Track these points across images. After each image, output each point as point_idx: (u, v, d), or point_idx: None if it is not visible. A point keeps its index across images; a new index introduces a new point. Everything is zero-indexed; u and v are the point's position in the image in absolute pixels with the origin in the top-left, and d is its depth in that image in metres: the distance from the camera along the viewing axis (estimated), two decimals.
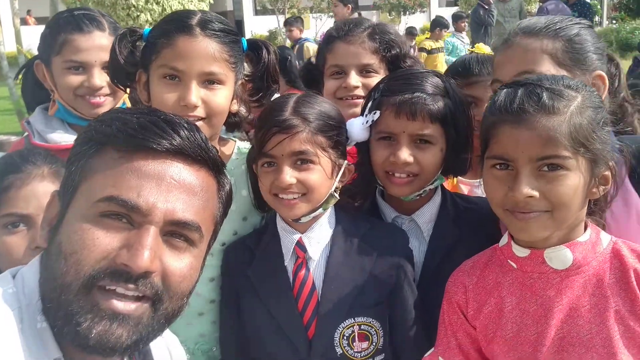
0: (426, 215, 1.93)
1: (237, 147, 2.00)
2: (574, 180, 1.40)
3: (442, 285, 1.79)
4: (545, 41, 1.73)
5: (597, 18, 24.37)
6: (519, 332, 1.51)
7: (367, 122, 1.83)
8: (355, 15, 8.18)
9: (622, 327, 1.43)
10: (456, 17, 12.47)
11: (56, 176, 1.74)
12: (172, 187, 1.15)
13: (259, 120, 1.80)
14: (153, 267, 1.10)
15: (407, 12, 24.98)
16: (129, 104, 2.30)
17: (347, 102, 2.12)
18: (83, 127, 2.13)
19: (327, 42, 2.26)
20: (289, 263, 1.78)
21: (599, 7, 25.13)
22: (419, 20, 24.89)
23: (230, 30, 1.80)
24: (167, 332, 1.38)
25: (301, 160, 1.70)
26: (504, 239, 1.60)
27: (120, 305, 1.09)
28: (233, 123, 1.94)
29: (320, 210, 1.78)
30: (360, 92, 2.13)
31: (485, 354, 1.60)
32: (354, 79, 2.13)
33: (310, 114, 1.73)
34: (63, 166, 1.75)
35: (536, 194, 1.39)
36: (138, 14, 13.12)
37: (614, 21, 21.45)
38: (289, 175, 1.68)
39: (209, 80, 1.74)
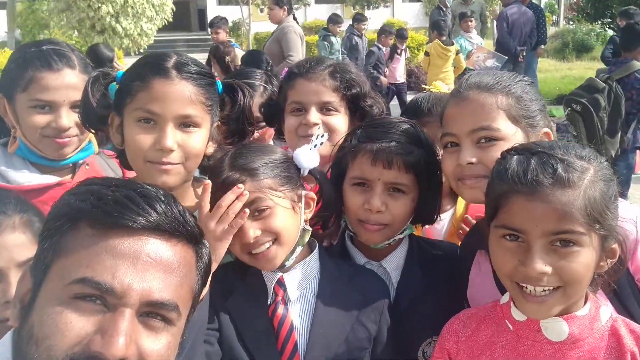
0: (394, 262, 1.94)
1: None
2: (586, 257, 1.36)
3: (409, 329, 1.85)
4: (500, 97, 1.73)
5: (554, 17, 24.86)
6: None
7: (315, 145, 1.84)
8: (291, 17, 8.00)
9: None
10: (461, 16, 11.92)
11: (27, 226, 1.69)
12: (148, 266, 1.12)
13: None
14: (128, 354, 1.06)
15: (371, 7, 25.02)
16: (95, 144, 2.23)
17: (309, 140, 2.05)
18: (46, 166, 2.11)
19: (289, 78, 2.27)
20: (269, 300, 1.76)
21: (556, 6, 25.66)
22: (382, 15, 24.95)
23: (206, 73, 1.78)
24: None
25: (257, 211, 1.67)
26: (506, 297, 1.57)
27: None
28: (207, 166, 1.89)
29: (299, 248, 1.76)
30: (319, 130, 2.12)
31: None
32: (314, 115, 2.14)
33: (248, 162, 1.71)
34: (35, 214, 1.72)
35: (549, 270, 1.35)
36: (99, 5, 12.84)
37: (571, 22, 21.92)
38: (251, 229, 1.66)
39: (185, 124, 1.71)
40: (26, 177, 2.10)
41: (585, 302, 1.48)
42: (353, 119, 2.25)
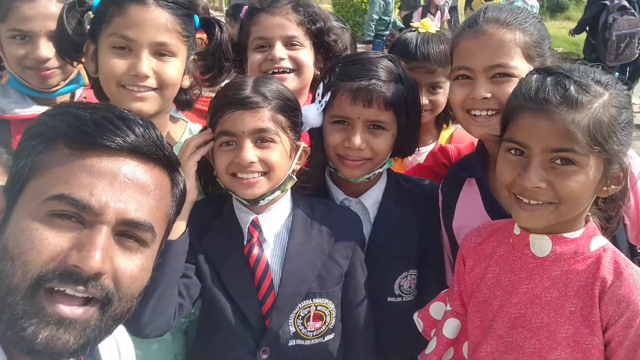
0: (372, 198, 1.97)
1: (188, 128, 1.97)
2: (583, 177, 1.38)
3: (385, 262, 1.90)
4: (517, 34, 1.73)
5: None
6: (488, 298, 1.58)
7: (321, 106, 1.84)
8: None
9: (572, 329, 1.46)
10: None
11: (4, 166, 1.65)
12: (125, 186, 1.12)
13: (215, 99, 1.77)
14: (104, 269, 1.07)
15: None
16: (85, 76, 2.18)
17: (274, 77, 2.04)
18: (41, 98, 2.10)
19: (250, 14, 2.19)
20: (245, 241, 1.77)
21: None
22: None
23: (182, 4, 1.76)
24: (117, 328, 1.34)
25: (262, 139, 1.69)
26: None
27: (66, 310, 1.05)
28: (184, 101, 1.90)
29: (278, 192, 1.77)
30: (286, 64, 2.09)
31: (466, 306, 1.68)
32: (280, 50, 2.09)
33: (270, 92, 1.72)
34: (2, 146, 1.68)
35: (544, 185, 1.39)
36: None
37: None
38: (251, 153, 1.66)
39: (160, 52, 1.70)
40: (22, 109, 2.10)
41: (585, 225, 1.51)
42: (317, 53, 2.21)
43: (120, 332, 1.40)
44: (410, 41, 2.34)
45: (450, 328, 1.70)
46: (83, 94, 2.23)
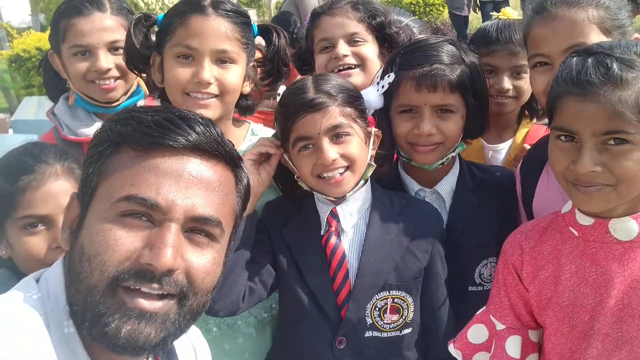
0: (447, 186, 1.96)
1: (250, 129, 2.03)
2: (639, 155, 1.34)
3: (464, 251, 1.88)
4: (590, 10, 1.67)
5: None
6: (575, 300, 1.49)
7: (382, 86, 1.84)
8: None
9: None
10: None
11: (69, 173, 1.73)
12: (190, 183, 1.13)
13: (281, 107, 1.80)
14: (176, 265, 1.09)
15: None
16: (144, 88, 2.27)
17: (340, 74, 2.10)
18: (106, 114, 2.17)
19: (313, 19, 2.27)
20: (323, 231, 1.79)
21: None
22: None
23: (241, 12, 1.84)
24: (193, 331, 1.38)
25: (337, 135, 1.71)
26: (568, 206, 1.56)
27: (146, 303, 1.08)
28: (245, 106, 1.96)
29: (362, 182, 1.79)
30: (351, 60, 2.15)
31: (538, 319, 1.58)
32: (343, 48, 2.14)
33: (332, 88, 1.74)
34: (74, 162, 1.77)
35: (599, 169, 1.35)
36: None
37: None
38: (331, 151, 1.69)
39: (222, 59, 1.77)
40: (92, 129, 2.19)
41: None
42: (382, 48, 2.24)
43: (196, 334, 1.43)
44: (490, 27, 2.33)
45: (516, 346, 1.61)
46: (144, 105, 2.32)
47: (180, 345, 1.33)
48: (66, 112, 2.25)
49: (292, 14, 6.43)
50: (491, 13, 2.73)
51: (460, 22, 11.37)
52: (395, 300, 1.77)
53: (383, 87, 1.84)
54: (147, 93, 2.31)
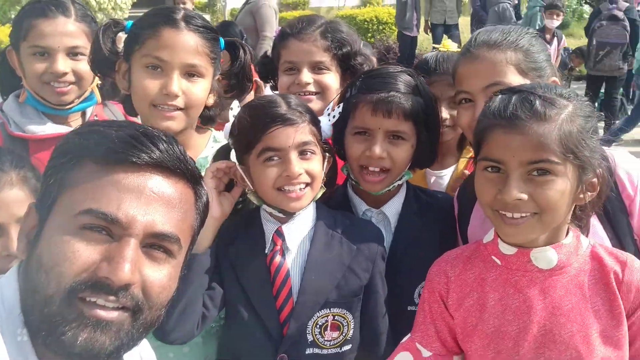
0: (393, 208, 2.02)
1: (213, 136, 2.06)
2: (561, 185, 1.44)
3: (405, 272, 1.94)
4: (509, 53, 1.80)
5: None
6: (500, 327, 1.55)
7: (334, 116, 1.92)
8: None
9: (600, 327, 1.50)
10: None
11: (24, 182, 1.72)
12: (151, 200, 1.16)
13: (250, 118, 1.80)
14: (133, 280, 1.11)
15: None
16: (98, 95, 2.29)
17: (300, 98, 2.11)
18: (56, 115, 2.21)
19: (281, 38, 2.32)
20: (267, 249, 1.82)
21: None
22: None
23: (211, 28, 1.87)
24: None
25: (304, 151, 1.77)
26: (490, 235, 1.64)
27: (102, 312, 1.10)
28: (208, 117, 1.99)
29: (313, 202, 1.84)
30: (312, 88, 2.22)
31: (462, 345, 1.63)
32: (306, 75, 2.20)
33: (301, 107, 1.81)
34: (29, 170, 1.75)
35: (525, 197, 1.43)
36: None
37: None
38: (298, 165, 1.74)
39: (190, 73, 1.80)
40: (40, 127, 2.22)
41: (567, 233, 1.57)
42: (344, 76, 2.31)
43: (144, 343, 1.43)
44: (431, 58, 2.43)
45: None
46: (94, 112, 2.35)
47: (129, 355, 1.33)
48: (15, 108, 2.25)
49: (236, 25, 6.38)
50: (433, 45, 2.86)
51: (407, 42, 11.66)
52: (336, 317, 1.81)
53: (334, 117, 1.91)
54: (100, 100, 2.31)
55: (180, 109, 1.79)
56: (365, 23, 15.13)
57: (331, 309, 1.81)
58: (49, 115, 2.25)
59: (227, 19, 18.97)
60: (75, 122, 2.30)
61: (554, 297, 1.53)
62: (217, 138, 2.06)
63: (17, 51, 2.22)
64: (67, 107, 2.25)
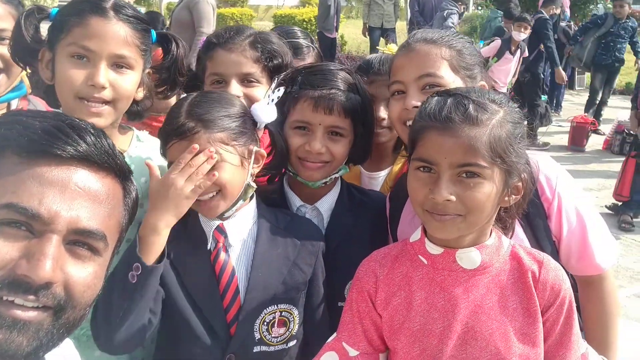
0: (326, 204, 2.04)
1: (135, 136, 1.97)
2: (488, 188, 1.47)
3: (336, 267, 1.95)
4: (443, 49, 1.86)
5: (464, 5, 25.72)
6: (425, 325, 1.57)
7: (272, 100, 1.86)
8: None
9: (518, 324, 1.54)
10: None
11: None
12: (76, 195, 1.10)
13: (161, 127, 1.77)
14: (55, 278, 1.05)
15: None
16: (27, 83, 2.16)
17: None
18: None
19: (207, 49, 2.18)
20: (210, 247, 1.78)
21: None
22: None
23: (142, 19, 1.78)
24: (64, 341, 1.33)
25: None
26: (417, 235, 1.67)
27: (19, 312, 1.04)
28: (135, 112, 1.90)
29: (241, 201, 1.79)
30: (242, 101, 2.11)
31: (388, 343, 1.65)
32: (235, 88, 2.08)
33: (205, 113, 1.71)
34: None
35: (453, 198, 1.46)
36: None
37: (480, 7, 22.72)
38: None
39: (118, 64, 1.71)
40: None
41: (490, 234, 1.61)
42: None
43: (67, 343, 1.36)
44: (374, 59, 2.46)
45: None
46: (19, 104, 2.21)
47: (51, 355, 1.27)
48: None
49: (161, 15, 6.22)
50: (377, 47, 2.90)
51: (328, 43, 11.90)
52: (283, 313, 1.82)
53: (272, 100, 1.87)
54: (30, 91, 2.20)
55: (107, 102, 1.70)
56: (304, 23, 15.18)
57: (278, 305, 1.81)
58: None
59: (162, 12, 18.63)
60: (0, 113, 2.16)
61: (476, 295, 1.56)
62: (140, 137, 1.97)
63: None
64: None
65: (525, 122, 1.62)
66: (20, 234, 1.06)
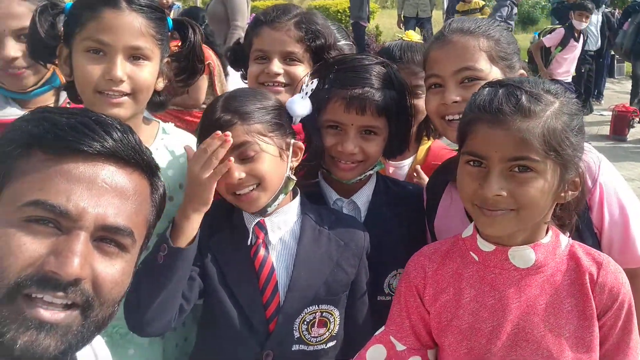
0: (363, 197, 1.99)
1: (161, 128, 1.95)
2: (542, 183, 1.40)
3: (375, 262, 1.89)
4: (481, 39, 1.79)
5: None
6: (474, 324, 1.52)
7: (306, 93, 1.83)
8: None
9: (572, 328, 1.47)
10: None
11: None
12: (103, 191, 1.09)
13: (199, 125, 1.76)
14: (83, 274, 1.04)
15: None
16: (61, 76, 2.14)
17: (268, 89, 2.09)
18: (25, 100, 2.13)
19: (254, 25, 2.22)
20: (250, 242, 1.76)
21: None
22: None
23: (156, 7, 1.74)
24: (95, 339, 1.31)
25: (243, 153, 1.67)
26: (469, 230, 1.60)
27: (47, 314, 1.02)
28: (157, 102, 1.87)
29: (282, 195, 1.76)
30: (282, 79, 2.12)
31: (437, 340, 1.60)
32: (277, 65, 2.11)
33: (241, 105, 1.71)
34: None
35: (504, 193, 1.40)
36: None
37: None
38: (237, 170, 1.66)
39: (135, 56, 1.68)
40: (5, 111, 2.10)
41: (547, 232, 1.53)
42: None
43: (98, 342, 1.37)
44: (394, 46, 2.39)
45: None
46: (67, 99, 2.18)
47: (82, 354, 1.25)
48: None
49: (203, 10, 6.25)
50: (396, 34, 2.81)
51: (362, 32, 11.83)
52: (324, 314, 1.78)
53: (307, 93, 1.83)
54: (63, 81, 2.21)
55: (127, 95, 1.67)
56: (339, 14, 15.09)
57: (319, 305, 1.77)
58: (15, 100, 2.13)
59: (199, 5, 18.78)
60: (48, 105, 2.19)
61: (528, 296, 1.49)
62: (166, 130, 1.95)
63: None
64: (30, 89, 2.14)
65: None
66: (48, 230, 1.04)
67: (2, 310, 1.00)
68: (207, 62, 4.02)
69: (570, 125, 1.43)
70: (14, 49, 2.02)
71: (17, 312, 1.00)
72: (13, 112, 2.10)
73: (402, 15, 12.63)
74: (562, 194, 1.46)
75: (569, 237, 1.58)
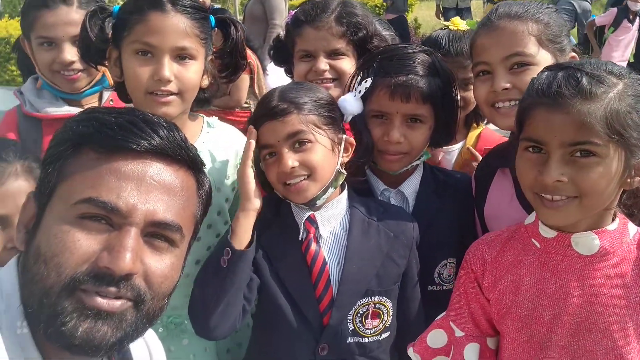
0: (411, 187, 1.97)
1: (206, 122, 1.98)
2: (605, 169, 1.33)
3: (425, 251, 1.88)
4: (530, 24, 1.74)
5: None
6: (533, 311, 1.47)
7: (359, 92, 1.84)
8: None
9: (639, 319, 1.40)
10: None
11: (29, 172, 1.68)
12: (152, 188, 1.11)
13: (252, 114, 1.79)
14: (135, 269, 1.06)
15: None
16: (110, 78, 2.23)
17: (318, 86, 2.06)
18: (71, 99, 2.27)
19: (295, 25, 2.22)
20: (301, 237, 1.77)
21: None
22: None
23: (200, 7, 1.78)
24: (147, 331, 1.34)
25: (298, 142, 1.68)
26: (531, 217, 1.55)
27: (103, 302, 1.05)
28: (202, 99, 1.91)
29: (331, 189, 1.75)
30: (329, 75, 2.15)
31: (497, 327, 1.57)
32: (323, 63, 2.12)
33: (297, 96, 1.72)
34: (34, 161, 1.70)
35: (565, 178, 1.33)
36: None
37: None
38: (290, 159, 1.67)
39: (181, 56, 1.73)
40: (54, 108, 2.23)
41: (614, 218, 1.45)
42: (360, 59, 2.21)
43: (151, 335, 1.39)
44: (442, 37, 2.33)
45: (474, 354, 1.61)
46: (110, 96, 2.33)
47: (135, 346, 1.29)
48: (32, 90, 2.26)
49: (226, 10, 6.25)
50: (441, 21, 2.74)
51: (402, 23, 11.60)
52: (377, 305, 1.78)
53: (360, 92, 1.83)
54: (112, 83, 2.28)
55: (175, 94, 1.73)
56: (377, 8, 14.96)
57: (372, 297, 1.77)
58: (67, 100, 2.26)
59: (237, 8, 18.97)
60: (92, 104, 2.30)
61: (592, 284, 1.42)
62: (211, 123, 1.98)
63: (28, 40, 2.23)
64: (80, 91, 2.26)
65: None
66: (100, 227, 1.07)
67: (62, 302, 1.03)
68: (249, 61, 4.06)
69: (636, 107, 1.34)
70: (71, 53, 2.13)
71: (77, 302, 1.04)
72: (65, 109, 2.23)
73: (440, 6, 12.40)
74: (628, 180, 1.38)
75: (639, 225, 1.49)
